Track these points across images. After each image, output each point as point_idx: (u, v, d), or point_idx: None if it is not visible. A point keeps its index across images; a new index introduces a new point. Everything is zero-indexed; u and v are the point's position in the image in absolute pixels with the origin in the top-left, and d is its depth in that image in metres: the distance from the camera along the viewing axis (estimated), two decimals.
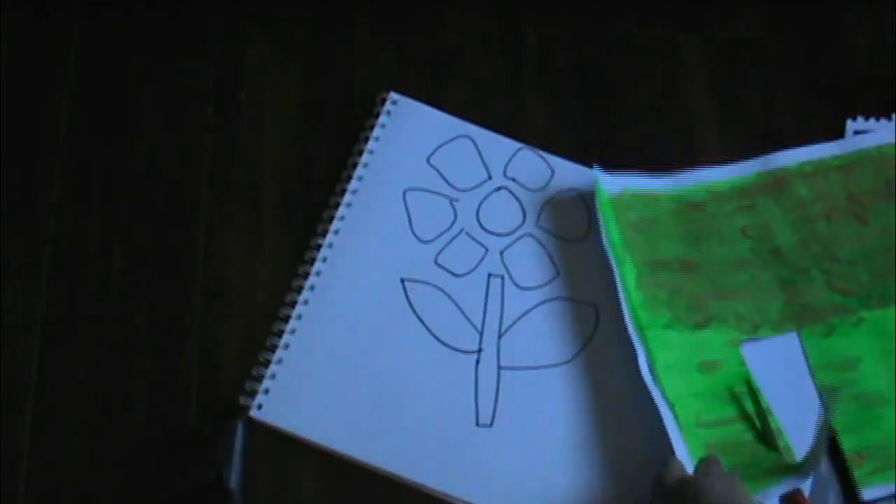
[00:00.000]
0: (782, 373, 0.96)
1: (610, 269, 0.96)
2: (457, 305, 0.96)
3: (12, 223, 0.97)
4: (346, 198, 0.99)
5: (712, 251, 1.00)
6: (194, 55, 1.05)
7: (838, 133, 1.05)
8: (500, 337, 0.96)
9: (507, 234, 1.00)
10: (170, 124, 1.03)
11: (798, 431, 0.92)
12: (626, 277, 0.97)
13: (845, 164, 1.03)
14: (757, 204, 1.02)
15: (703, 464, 0.84)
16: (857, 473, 0.92)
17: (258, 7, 1.08)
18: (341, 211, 0.99)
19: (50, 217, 0.98)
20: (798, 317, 0.98)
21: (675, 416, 0.92)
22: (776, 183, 1.03)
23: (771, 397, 0.95)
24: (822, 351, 0.96)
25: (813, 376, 0.96)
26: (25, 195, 0.99)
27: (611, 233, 0.98)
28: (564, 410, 0.94)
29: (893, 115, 1.06)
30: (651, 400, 0.92)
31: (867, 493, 0.92)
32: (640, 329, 0.95)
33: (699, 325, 0.97)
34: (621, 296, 0.95)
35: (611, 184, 1.01)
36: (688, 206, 1.01)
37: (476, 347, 0.95)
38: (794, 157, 1.03)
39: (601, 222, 0.98)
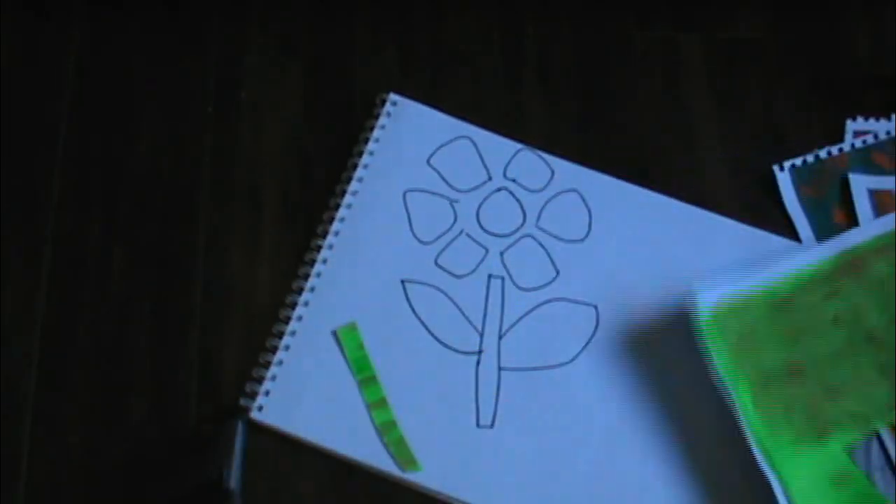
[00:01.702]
0: None
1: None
2: (457, 307, 0.96)
3: (12, 223, 0.97)
4: (346, 199, 0.99)
5: (812, 348, 0.93)
6: (194, 55, 1.05)
7: (838, 133, 1.05)
8: (500, 338, 0.96)
9: (508, 235, 1.00)
10: (170, 124, 1.02)
11: None
12: (744, 400, 0.90)
13: None
14: (841, 289, 0.95)
15: None
16: None
17: (258, 7, 1.08)
18: (341, 212, 0.99)
19: (50, 217, 0.98)
20: None
21: None
22: (854, 263, 0.96)
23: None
24: None
25: None
26: (25, 195, 0.99)
27: (718, 353, 0.91)
28: (564, 411, 0.94)
29: (893, 115, 1.06)
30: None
31: None
32: (768, 455, 0.89)
33: (822, 436, 0.90)
34: (743, 421, 0.89)
35: (708, 295, 0.93)
36: (778, 305, 0.94)
37: (476, 348, 0.95)
38: (864, 234, 0.97)
39: (703, 345, 0.91)
